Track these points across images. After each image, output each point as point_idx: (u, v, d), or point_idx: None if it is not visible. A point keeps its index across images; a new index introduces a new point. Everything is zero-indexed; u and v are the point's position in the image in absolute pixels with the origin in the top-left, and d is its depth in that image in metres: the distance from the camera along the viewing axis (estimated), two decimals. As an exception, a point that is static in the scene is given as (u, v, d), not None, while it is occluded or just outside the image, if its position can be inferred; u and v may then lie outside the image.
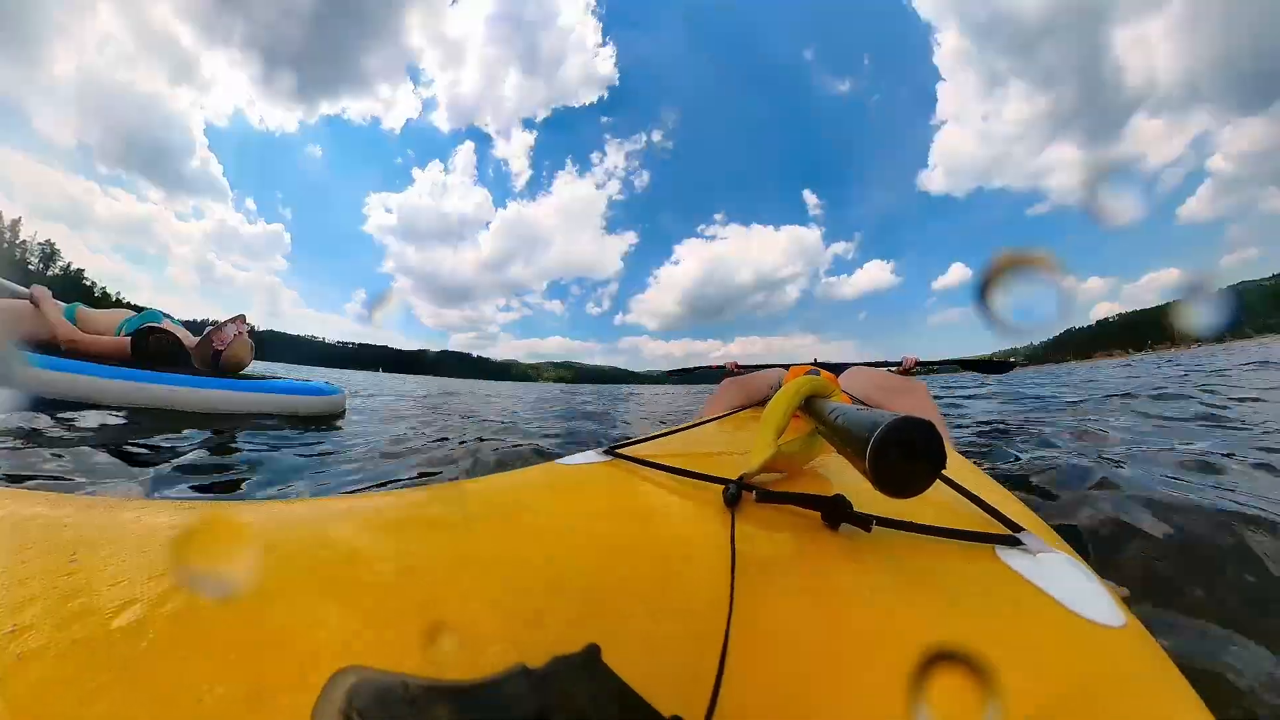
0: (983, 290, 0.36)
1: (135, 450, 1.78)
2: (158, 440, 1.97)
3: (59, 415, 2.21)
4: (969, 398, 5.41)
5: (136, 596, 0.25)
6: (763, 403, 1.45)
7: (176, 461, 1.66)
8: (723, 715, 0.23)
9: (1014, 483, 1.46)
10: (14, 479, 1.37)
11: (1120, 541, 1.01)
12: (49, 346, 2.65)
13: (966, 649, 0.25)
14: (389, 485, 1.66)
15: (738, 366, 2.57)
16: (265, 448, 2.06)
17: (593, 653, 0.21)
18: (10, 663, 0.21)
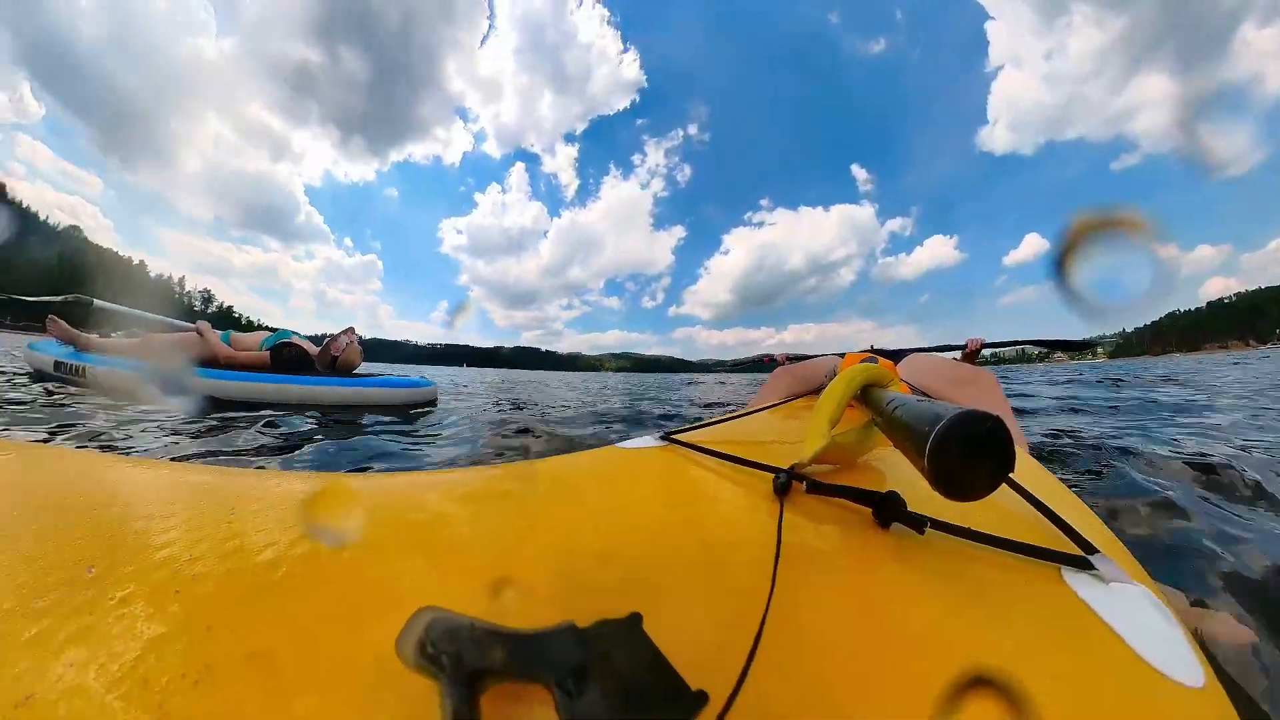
0: (1061, 262, 0.32)
1: (275, 434, 2.05)
2: (291, 426, 2.25)
3: (221, 412, 2.57)
4: (1058, 403, 4.84)
5: (275, 541, 0.32)
6: (817, 392, 1.35)
7: (305, 442, 1.89)
8: (747, 697, 0.23)
9: (1096, 499, 1.22)
10: (189, 456, 1.62)
11: (1222, 580, 0.79)
12: (212, 362, 3.18)
13: (1010, 678, 0.23)
14: (469, 460, 1.81)
15: (788, 359, 2.35)
16: (373, 430, 2.28)
17: (634, 620, 0.22)
18: (188, 579, 0.28)
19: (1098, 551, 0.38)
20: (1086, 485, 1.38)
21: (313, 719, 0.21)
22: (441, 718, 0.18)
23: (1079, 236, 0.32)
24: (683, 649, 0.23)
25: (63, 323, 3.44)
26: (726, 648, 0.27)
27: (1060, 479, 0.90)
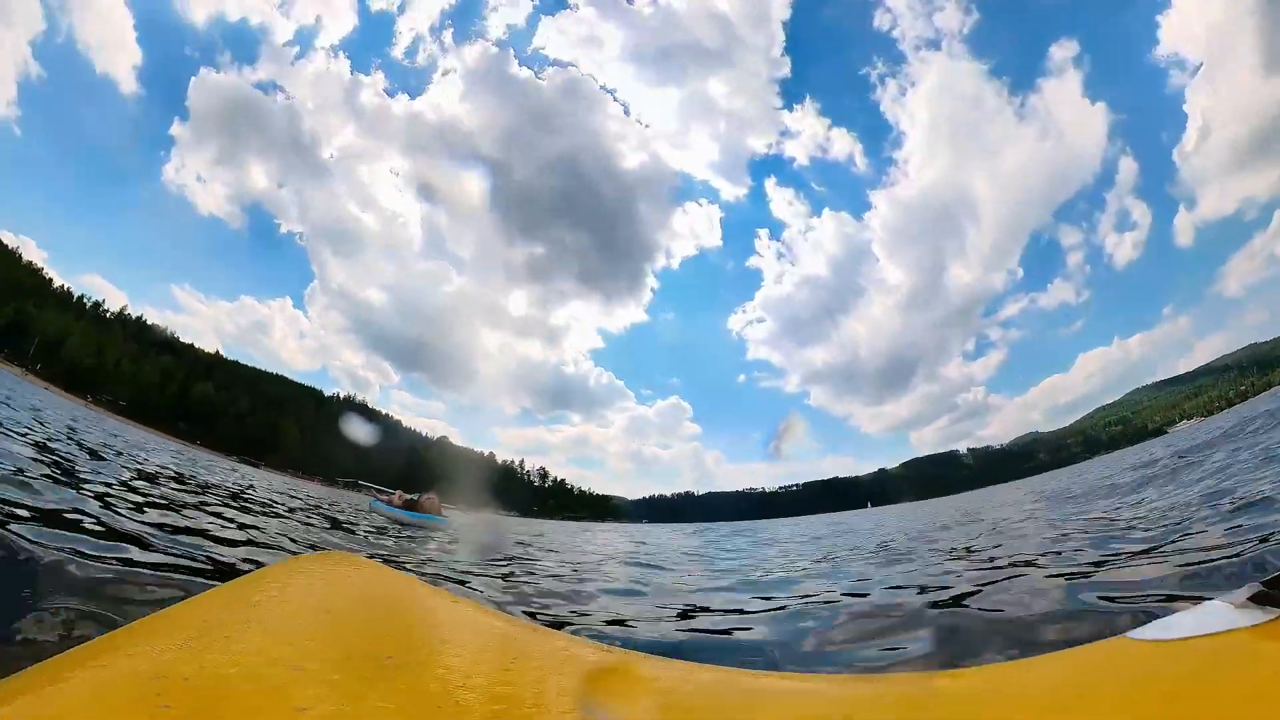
0: None
1: (402, 533, 9.81)
2: (404, 529, 10.03)
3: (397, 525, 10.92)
4: None
5: (541, 701, 0.32)
6: None
7: (403, 531, 9.63)
8: None
9: None
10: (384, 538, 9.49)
11: None
12: (398, 505, 12.08)
13: None
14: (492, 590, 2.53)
15: None
16: (436, 538, 8.02)
17: None
18: (454, 698, 0.32)
19: None
20: None
21: None
22: None
23: None
24: None
25: (373, 489, 13.49)
26: None
27: None
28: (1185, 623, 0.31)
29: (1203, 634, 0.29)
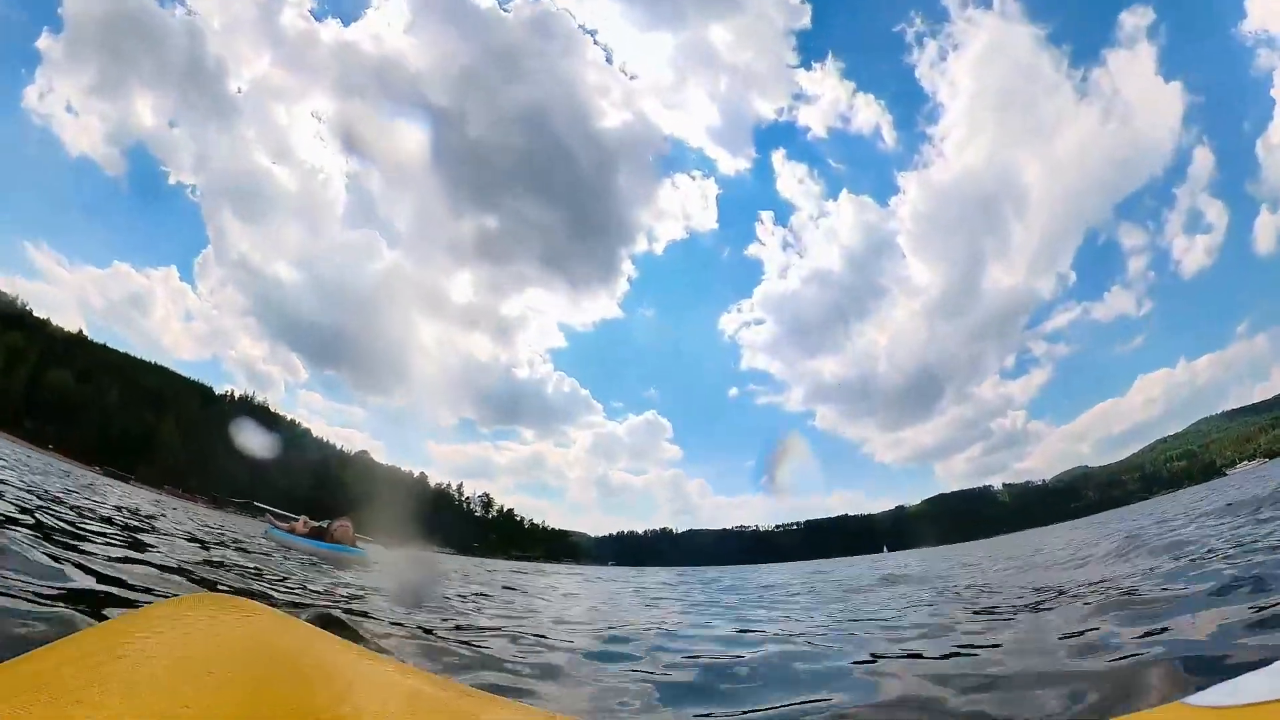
0: None
1: (306, 561, 8.68)
2: (312, 560, 8.87)
3: (295, 553, 9.60)
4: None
5: None
6: None
7: (312, 564, 8.41)
8: None
9: None
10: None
11: None
12: (303, 534, 10.55)
13: None
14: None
15: None
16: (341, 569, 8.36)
17: None
18: None
19: None
20: None
21: None
22: None
23: None
24: None
25: (270, 514, 11.87)
26: None
27: None
28: (1254, 686, 0.28)
29: (1275, 699, 0.27)
